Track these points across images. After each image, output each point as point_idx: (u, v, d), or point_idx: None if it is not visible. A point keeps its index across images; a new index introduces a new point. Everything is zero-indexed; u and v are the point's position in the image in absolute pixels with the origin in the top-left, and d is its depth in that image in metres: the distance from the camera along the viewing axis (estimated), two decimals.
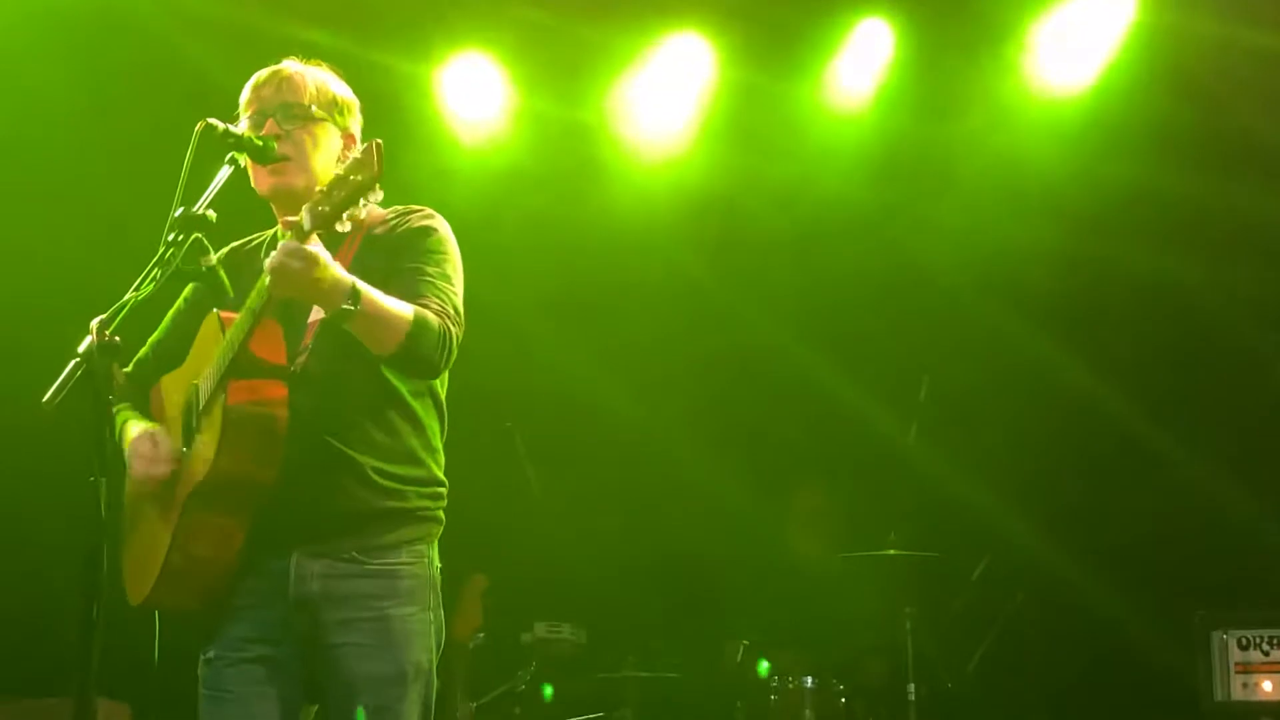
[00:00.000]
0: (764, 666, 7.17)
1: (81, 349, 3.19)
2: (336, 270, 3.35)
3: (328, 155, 3.78)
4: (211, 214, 3.39)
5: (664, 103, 7.54)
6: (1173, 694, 6.77)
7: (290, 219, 3.35)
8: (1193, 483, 7.16)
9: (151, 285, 3.32)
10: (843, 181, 7.45)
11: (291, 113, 3.74)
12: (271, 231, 3.91)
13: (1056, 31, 7.07)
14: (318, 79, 3.83)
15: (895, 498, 7.37)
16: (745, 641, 7.17)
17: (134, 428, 3.75)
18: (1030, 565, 7.42)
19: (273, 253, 3.33)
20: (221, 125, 3.57)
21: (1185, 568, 7.03)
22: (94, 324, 3.20)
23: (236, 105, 3.82)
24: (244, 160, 3.65)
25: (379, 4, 6.88)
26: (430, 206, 3.86)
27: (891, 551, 6.92)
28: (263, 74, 3.81)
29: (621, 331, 7.80)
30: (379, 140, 3.22)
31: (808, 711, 6.78)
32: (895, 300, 7.62)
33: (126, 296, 3.28)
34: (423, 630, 3.68)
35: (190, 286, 3.82)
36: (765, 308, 7.74)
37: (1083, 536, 7.36)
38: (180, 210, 3.36)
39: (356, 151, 3.64)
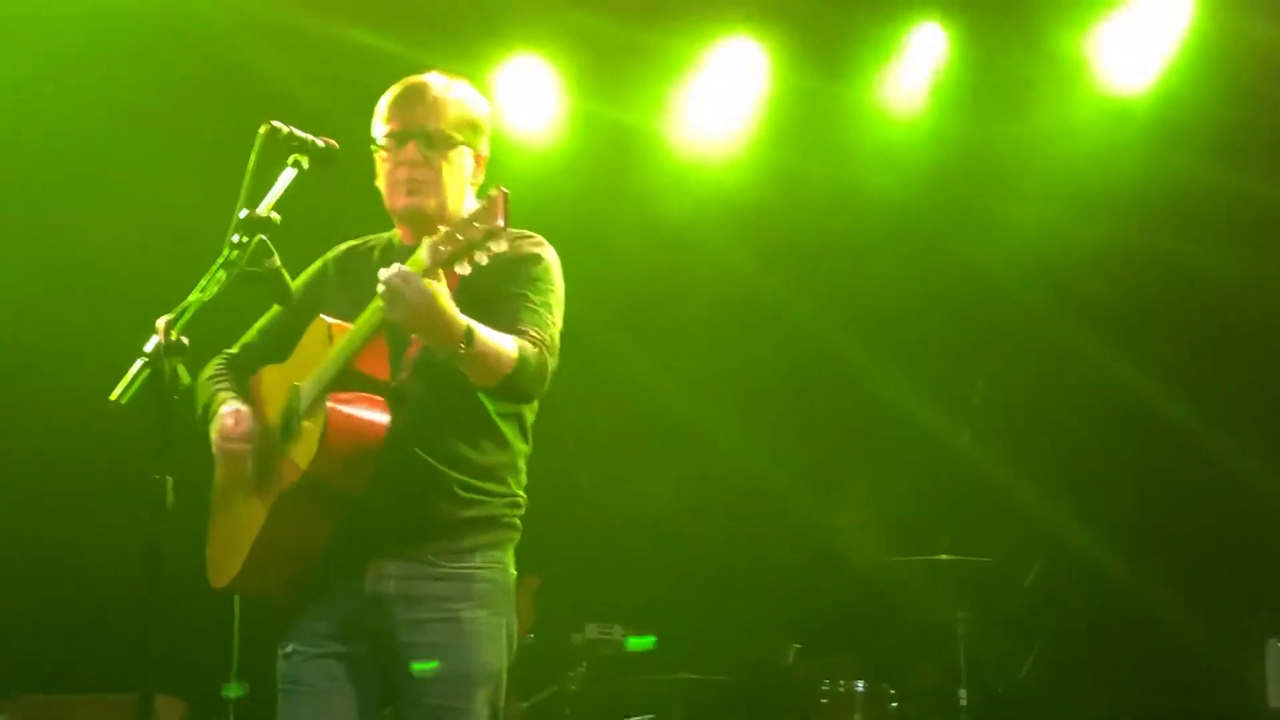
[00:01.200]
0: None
1: (148, 348, 3.23)
2: (453, 312, 3.44)
3: (460, 178, 3.90)
4: (275, 216, 3.43)
5: (717, 107, 7.53)
6: (1228, 700, 6.72)
7: (417, 255, 3.41)
8: (1251, 488, 7.09)
9: (216, 287, 3.35)
10: (898, 185, 7.44)
11: (432, 140, 3.85)
12: (388, 235, 4.03)
13: (1114, 33, 7.03)
14: (460, 101, 3.94)
15: (948, 502, 7.34)
16: (796, 645, 7.15)
17: (224, 404, 3.87)
18: (1084, 570, 7.37)
19: (390, 272, 3.40)
20: (285, 128, 3.61)
21: (1242, 573, 6.97)
22: (160, 324, 3.24)
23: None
24: (306, 163, 3.68)
25: (433, 7, 6.91)
26: None
27: (944, 556, 6.89)
28: (409, 89, 3.91)
29: (674, 335, 7.81)
30: (506, 190, 3.30)
31: (858, 715, 6.76)
32: (950, 303, 7.59)
33: (191, 297, 3.31)
34: (493, 634, 3.77)
35: (299, 287, 3.87)
36: (819, 312, 7.71)
37: (1138, 541, 7.31)
38: (244, 212, 3.40)
39: (484, 171, 3.93)
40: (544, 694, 7.04)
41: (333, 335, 3.69)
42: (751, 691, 7.22)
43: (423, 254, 3.39)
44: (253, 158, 3.47)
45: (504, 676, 3.78)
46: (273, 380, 3.93)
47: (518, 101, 7.52)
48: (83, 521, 7.17)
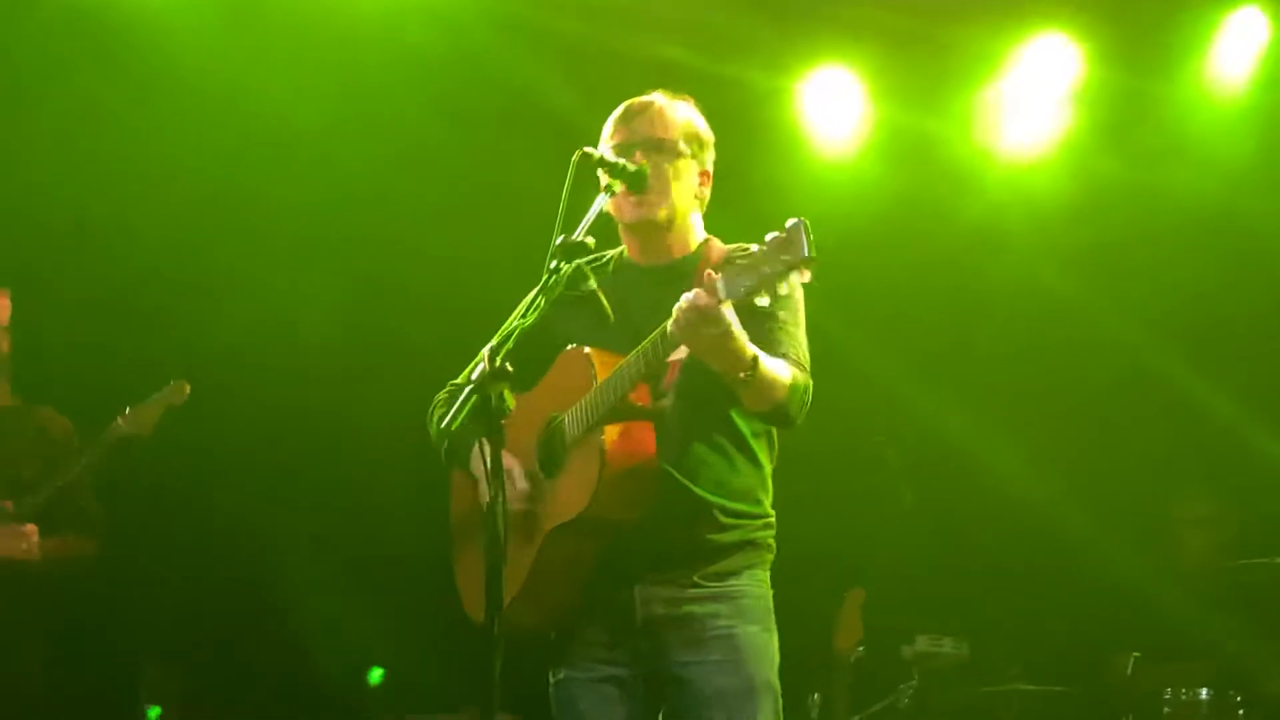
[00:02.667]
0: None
1: (475, 376, 3.31)
2: (744, 341, 3.42)
3: (687, 190, 3.88)
4: (590, 240, 3.49)
5: (1027, 108, 7.35)
6: None
7: (706, 283, 3.36)
8: None
9: (535, 314, 3.43)
10: (1220, 184, 7.12)
11: (660, 147, 3.83)
12: (616, 252, 4.01)
13: None
14: (686, 115, 3.92)
15: None
16: (1136, 653, 6.92)
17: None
18: None
19: (686, 310, 3.36)
20: (597, 153, 3.68)
21: None
22: (485, 351, 3.32)
23: (598, 132, 3.92)
24: (618, 187, 3.73)
25: (736, 22, 6.94)
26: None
27: None
28: (634, 106, 3.91)
29: (984, 341, 7.65)
30: (805, 220, 3.23)
31: None
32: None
33: (513, 323, 3.40)
34: (766, 648, 3.77)
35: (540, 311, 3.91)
36: (1137, 320, 7.44)
37: None
38: (561, 238, 3.46)
39: (709, 188, 3.91)
40: (876, 707, 6.98)
41: (594, 365, 3.67)
42: (1089, 702, 7.02)
43: (718, 284, 3.33)
44: (567, 184, 3.54)
45: (779, 691, 3.75)
46: (521, 408, 3.84)
47: (824, 112, 7.50)
48: (409, 541, 7.43)
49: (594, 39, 6.63)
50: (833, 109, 7.49)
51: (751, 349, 3.45)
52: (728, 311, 3.36)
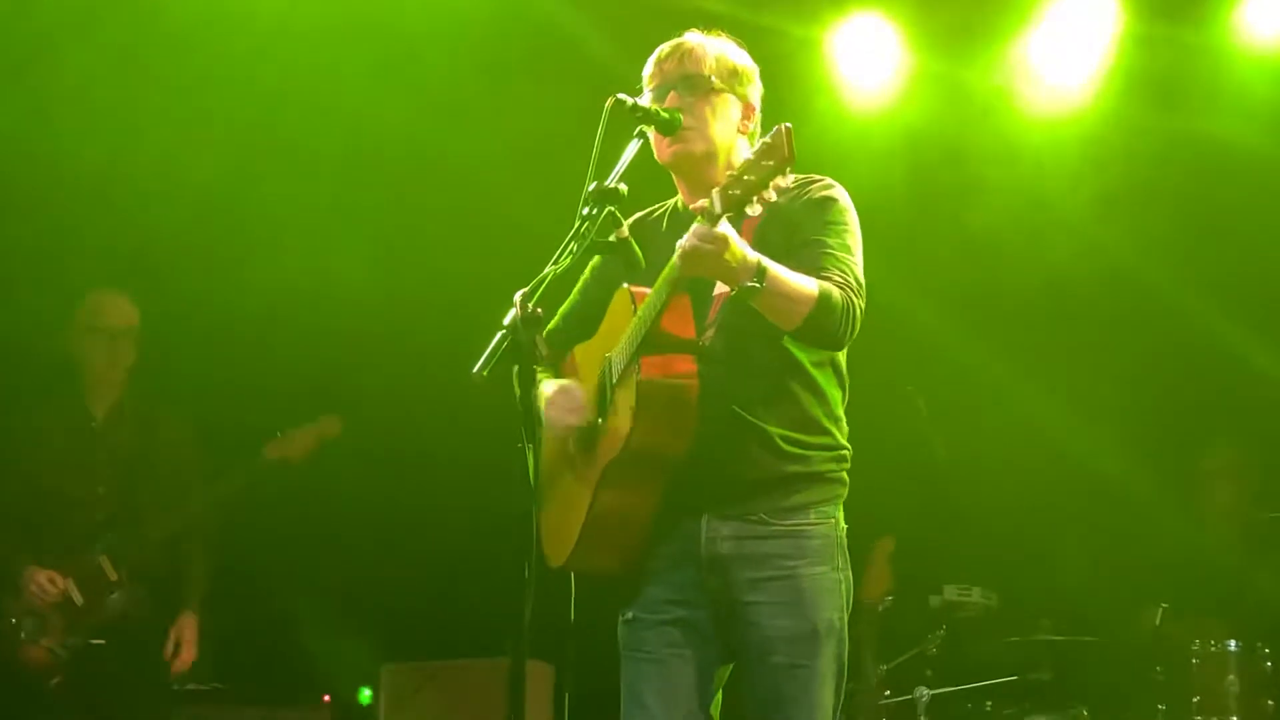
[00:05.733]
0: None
1: (506, 321, 3.33)
2: (744, 250, 3.42)
3: (727, 124, 3.87)
4: (623, 187, 3.51)
5: (1065, 58, 7.30)
6: None
7: (699, 204, 3.44)
8: None
9: (569, 259, 3.46)
10: (1259, 131, 7.04)
11: (692, 85, 3.83)
12: (673, 201, 4.03)
13: None
14: (718, 49, 3.91)
15: None
16: (1164, 604, 6.92)
17: (547, 384, 3.89)
18: None
19: (685, 235, 3.42)
20: (630, 100, 3.70)
21: None
22: (517, 297, 3.35)
23: (635, 80, 3.93)
24: (651, 133, 3.74)
25: None
26: (820, 171, 3.90)
27: None
28: (665, 48, 3.91)
29: (1016, 291, 7.64)
30: (788, 125, 3.28)
31: (1232, 676, 6.50)
32: None
33: (545, 270, 3.42)
34: (833, 589, 3.75)
35: (597, 259, 3.94)
36: (1171, 269, 7.41)
37: None
38: (594, 185, 3.48)
39: (756, 122, 3.83)
40: (904, 656, 7.01)
41: (635, 303, 3.69)
42: (1119, 653, 7.04)
43: (712, 200, 3.37)
44: (600, 131, 3.56)
45: (846, 632, 3.76)
46: (584, 358, 3.98)
47: (855, 61, 7.44)
48: (447, 491, 7.48)
49: None
50: (865, 57, 7.43)
51: (756, 257, 3.43)
52: (724, 226, 3.37)
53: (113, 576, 6.01)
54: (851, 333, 3.65)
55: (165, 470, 6.23)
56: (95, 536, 6.05)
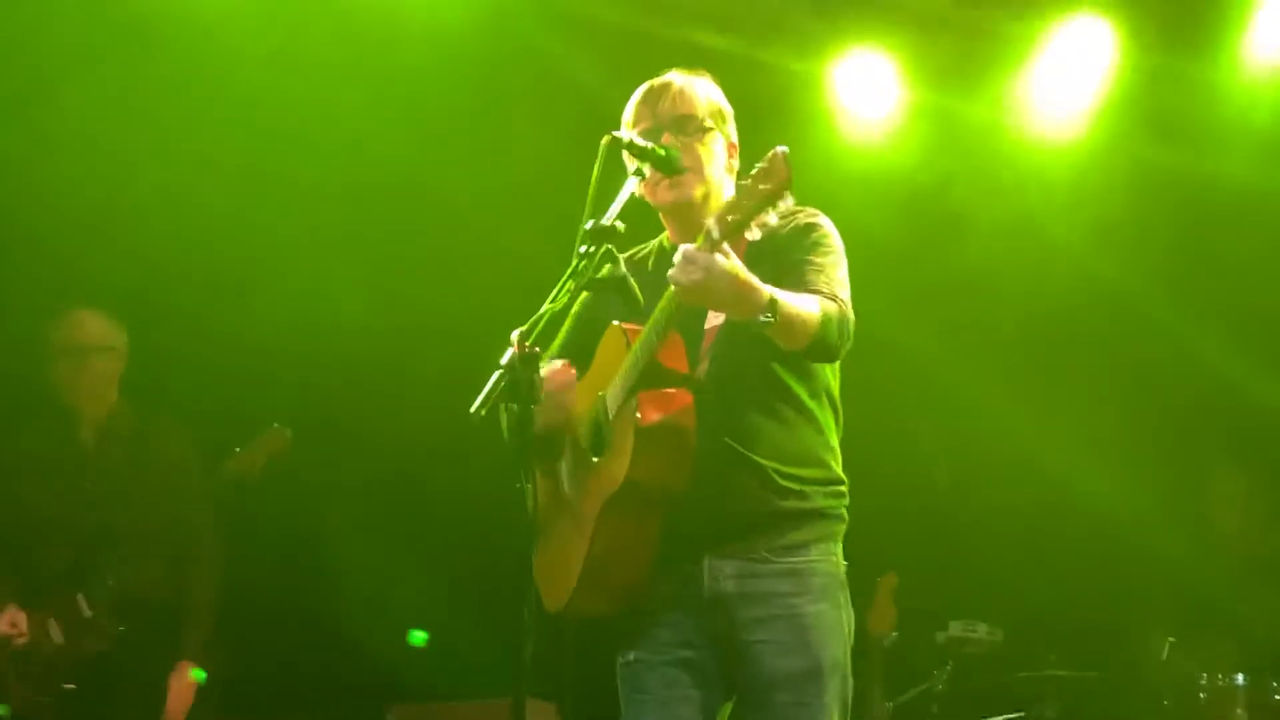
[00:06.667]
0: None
1: (504, 360, 3.31)
2: (753, 280, 3.38)
3: (719, 165, 3.88)
4: (620, 225, 3.48)
5: (1063, 91, 7.29)
6: None
7: (708, 224, 3.37)
8: None
9: (566, 296, 3.43)
10: (1256, 164, 7.03)
11: (687, 125, 3.84)
12: (657, 241, 4.03)
13: None
14: (706, 90, 3.93)
15: None
16: (1171, 638, 6.88)
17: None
18: None
19: (676, 265, 3.38)
20: (627, 137, 3.68)
21: None
22: (514, 335, 3.33)
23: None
24: (648, 171, 3.73)
25: (767, 4, 6.92)
26: (822, 205, 3.91)
27: None
28: (654, 87, 3.92)
29: (1017, 323, 7.64)
30: (784, 148, 3.25)
31: (1240, 710, 6.45)
32: None
33: (543, 308, 3.40)
34: (836, 626, 3.73)
35: (584, 300, 3.92)
36: (1173, 300, 7.39)
37: None
38: (590, 223, 3.46)
39: (737, 160, 3.90)
40: (912, 693, 6.98)
41: (629, 338, 3.67)
42: (1126, 687, 7.00)
43: (710, 226, 3.33)
44: (596, 169, 3.54)
45: (850, 669, 3.74)
46: (577, 397, 3.92)
47: (857, 96, 7.44)
48: (446, 530, 7.45)
49: (627, 22, 6.62)
50: (865, 92, 7.44)
51: (767, 289, 3.40)
52: (735, 261, 3.33)
53: (86, 614, 5.70)
54: (848, 344, 3.65)
55: (158, 493, 5.91)
56: (77, 568, 5.75)
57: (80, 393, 6.05)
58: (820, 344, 3.55)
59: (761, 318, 3.39)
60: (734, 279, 3.34)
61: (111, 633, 5.74)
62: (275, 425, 6.05)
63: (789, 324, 3.45)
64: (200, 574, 6.00)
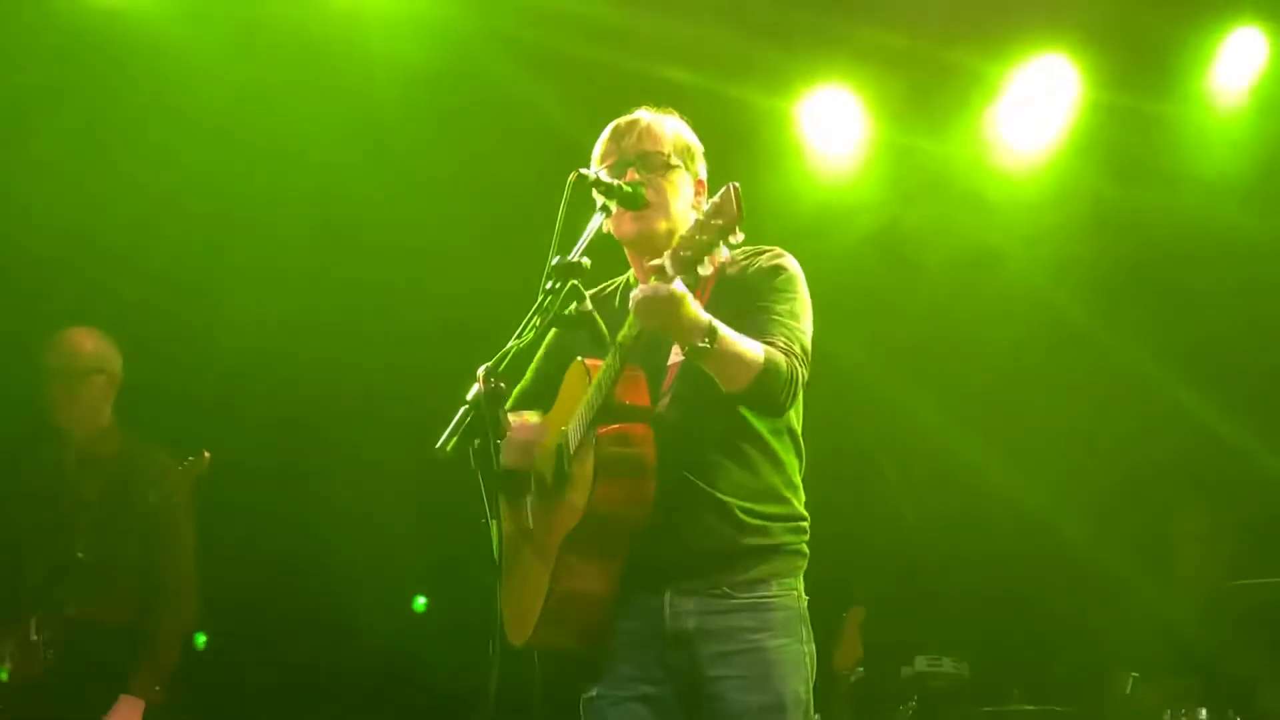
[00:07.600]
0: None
1: (470, 396, 3.33)
2: (697, 309, 3.43)
3: (684, 201, 3.90)
4: (586, 261, 3.51)
5: (1026, 128, 7.36)
6: None
7: (653, 263, 3.46)
8: None
9: (532, 333, 3.45)
10: (1217, 203, 7.08)
11: (652, 162, 3.87)
12: (624, 277, 4.06)
13: None
14: (674, 128, 3.96)
15: None
16: (1134, 673, 6.91)
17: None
18: None
19: (636, 290, 3.43)
20: (593, 174, 3.71)
21: None
22: (480, 371, 3.35)
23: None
24: (614, 207, 3.76)
25: (737, 41, 6.95)
26: (789, 239, 3.95)
27: None
28: (621, 124, 3.95)
29: (983, 359, 7.65)
30: (736, 184, 3.29)
31: None
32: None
33: (509, 344, 3.42)
34: (798, 661, 3.74)
35: (551, 335, 3.94)
36: (1137, 338, 7.43)
37: None
38: (556, 259, 3.49)
39: (705, 197, 3.88)
40: None
41: (590, 373, 3.69)
42: None
43: (664, 262, 3.38)
44: (563, 206, 3.57)
45: (812, 704, 3.74)
46: (542, 431, 3.94)
47: (823, 132, 7.50)
48: (412, 565, 7.44)
49: (595, 59, 6.65)
50: (832, 128, 7.49)
51: (708, 318, 3.44)
52: (678, 284, 3.37)
53: (33, 637, 5.56)
54: (792, 400, 3.67)
55: (134, 520, 5.70)
56: (42, 592, 5.61)
57: (70, 414, 5.93)
58: (759, 390, 3.57)
59: (699, 342, 3.42)
60: (682, 305, 3.38)
61: (48, 659, 5.58)
62: (195, 455, 5.84)
63: (725, 359, 3.49)
64: (170, 606, 5.79)
